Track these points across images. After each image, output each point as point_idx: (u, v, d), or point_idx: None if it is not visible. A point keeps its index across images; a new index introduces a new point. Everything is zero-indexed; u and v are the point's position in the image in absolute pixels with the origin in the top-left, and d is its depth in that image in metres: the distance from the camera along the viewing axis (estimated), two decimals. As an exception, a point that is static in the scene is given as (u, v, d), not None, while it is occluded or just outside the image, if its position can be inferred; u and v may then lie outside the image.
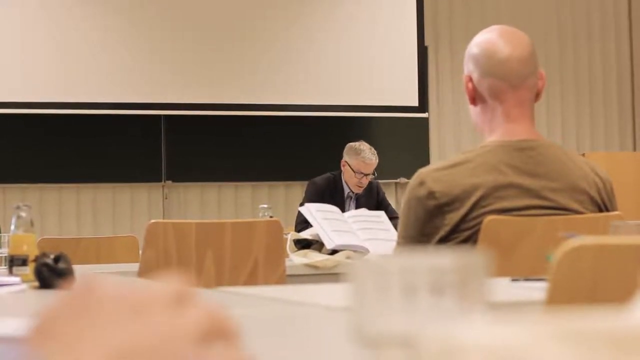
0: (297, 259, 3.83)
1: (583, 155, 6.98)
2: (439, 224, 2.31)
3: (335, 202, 5.05)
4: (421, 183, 2.33)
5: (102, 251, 4.47)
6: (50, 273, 2.09)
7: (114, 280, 0.54)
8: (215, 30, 8.07)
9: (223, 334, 0.53)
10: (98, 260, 4.32)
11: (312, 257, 3.85)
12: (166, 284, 0.54)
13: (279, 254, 3.44)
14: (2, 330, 1.10)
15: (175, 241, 3.30)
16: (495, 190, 2.31)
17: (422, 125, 8.69)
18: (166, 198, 8.10)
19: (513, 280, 2.02)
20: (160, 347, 0.51)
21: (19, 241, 2.44)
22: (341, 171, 5.81)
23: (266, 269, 3.37)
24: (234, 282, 3.29)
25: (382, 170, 6.21)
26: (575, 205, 2.37)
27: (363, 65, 8.37)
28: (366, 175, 5.72)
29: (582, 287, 1.54)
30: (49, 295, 1.98)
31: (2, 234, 5.72)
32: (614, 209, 2.45)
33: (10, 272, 2.40)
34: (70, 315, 0.53)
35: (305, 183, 6.02)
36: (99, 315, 0.52)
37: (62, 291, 0.55)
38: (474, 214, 2.29)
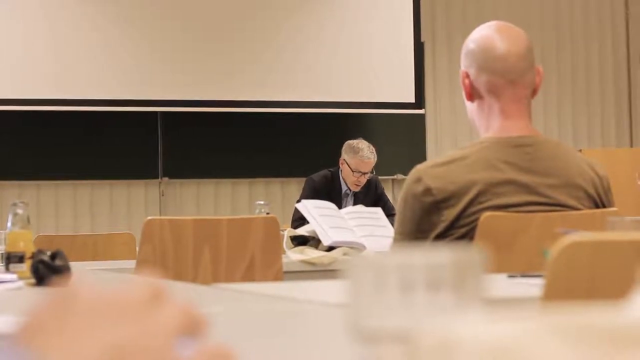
0: (294, 256, 3.83)
1: (580, 151, 6.97)
2: (436, 220, 2.31)
3: (332, 200, 5.06)
4: (418, 179, 2.33)
5: (99, 248, 4.47)
6: (47, 270, 2.09)
7: (93, 281, 0.58)
8: (212, 27, 8.06)
9: (197, 328, 0.57)
10: (95, 257, 4.32)
11: (309, 253, 3.85)
12: (141, 284, 0.58)
13: (276, 251, 3.44)
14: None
15: (172, 238, 3.29)
16: (492, 187, 2.31)
17: (419, 122, 8.69)
18: (163, 195, 8.09)
19: (510, 276, 2.02)
20: (146, 344, 0.54)
21: (15, 238, 2.44)
22: (339, 168, 5.80)
23: (263, 265, 3.37)
24: (230, 279, 3.28)
25: (378, 167, 6.20)
26: (572, 202, 2.37)
27: (360, 61, 8.37)
28: (364, 174, 5.72)
29: (579, 283, 1.54)
30: (45, 292, 1.98)
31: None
32: (610, 205, 2.45)
33: (7, 269, 2.40)
34: (59, 314, 0.55)
35: (302, 179, 6.01)
36: (86, 315, 0.55)
37: (50, 290, 0.57)
38: (471, 210, 2.29)
